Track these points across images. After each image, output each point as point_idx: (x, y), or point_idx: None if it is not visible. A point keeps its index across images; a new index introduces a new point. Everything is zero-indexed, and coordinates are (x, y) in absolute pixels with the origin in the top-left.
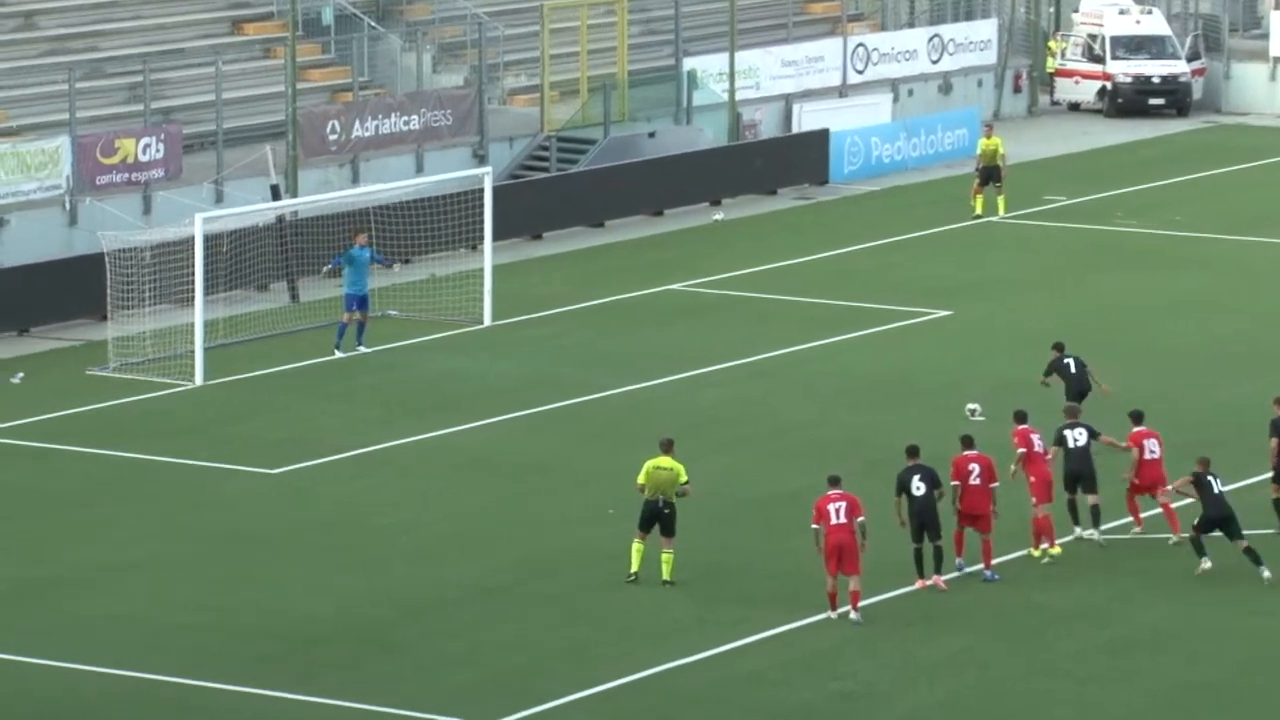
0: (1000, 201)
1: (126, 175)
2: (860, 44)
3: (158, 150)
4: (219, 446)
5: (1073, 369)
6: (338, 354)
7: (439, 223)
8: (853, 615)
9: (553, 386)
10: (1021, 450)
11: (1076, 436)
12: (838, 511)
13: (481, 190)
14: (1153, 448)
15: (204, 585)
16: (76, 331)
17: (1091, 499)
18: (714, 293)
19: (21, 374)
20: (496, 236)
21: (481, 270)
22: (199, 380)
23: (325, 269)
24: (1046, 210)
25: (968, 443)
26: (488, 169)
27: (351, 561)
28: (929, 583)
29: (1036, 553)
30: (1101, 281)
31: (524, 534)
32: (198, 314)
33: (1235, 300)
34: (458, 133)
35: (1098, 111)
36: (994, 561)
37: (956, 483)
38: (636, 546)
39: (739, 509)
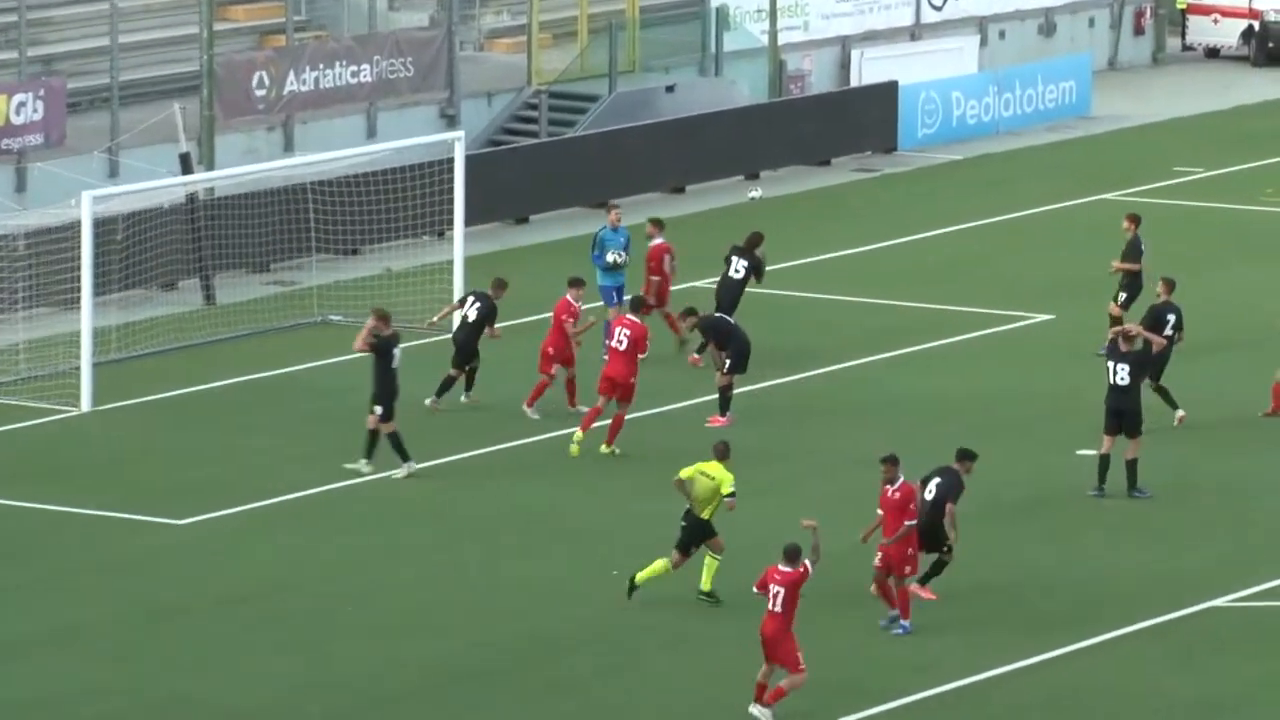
0: None
1: None
2: None
3: (35, 110)
4: (113, 490)
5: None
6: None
7: (396, 203)
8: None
9: (542, 416)
10: None
11: None
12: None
13: (451, 161)
14: None
15: (110, 667)
16: None
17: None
18: (748, 292)
19: None
20: (471, 220)
21: (450, 264)
22: (86, 405)
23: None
24: (1176, 185)
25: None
26: (460, 133)
27: (289, 638)
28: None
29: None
30: (1245, 277)
31: (509, 604)
32: (85, 321)
33: None
34: (421, 87)
35: (1242, 58)
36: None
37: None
38: (662, 563)
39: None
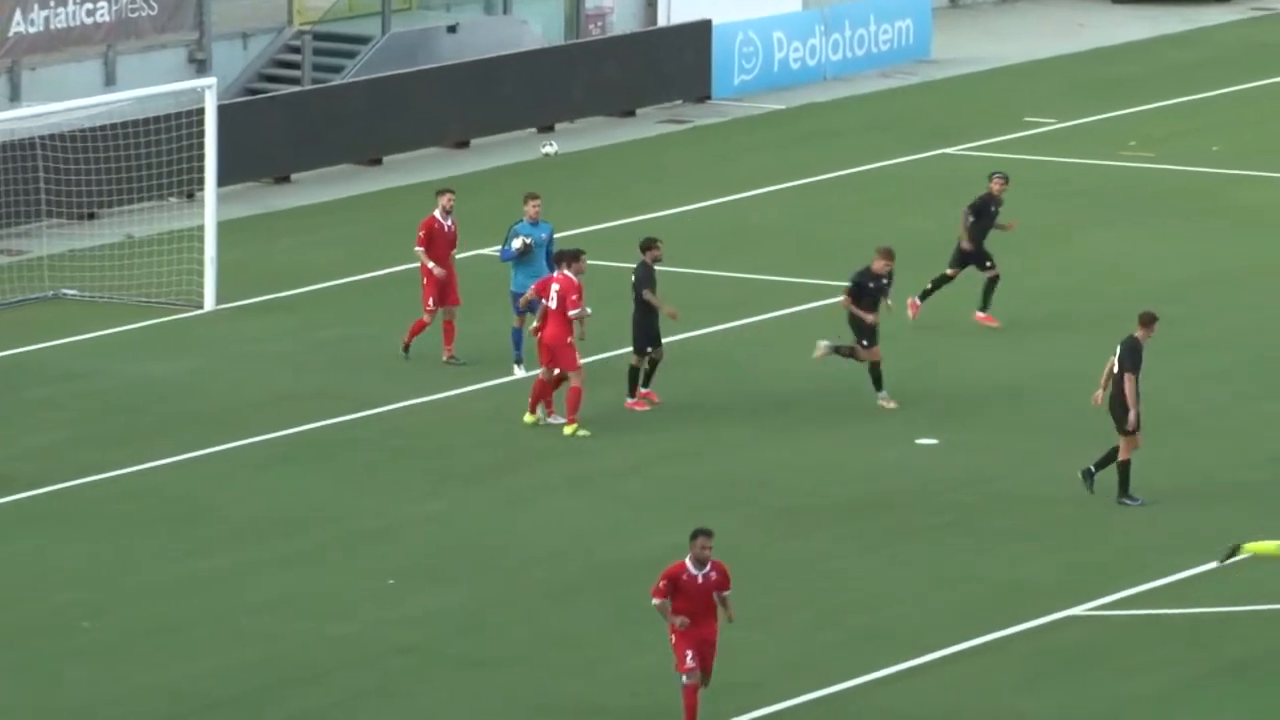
0: None
1: None
2: None
3: None
4: None
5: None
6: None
7: (139, 160)
8: None
9: (307, 401)
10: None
11: None
12: None
13: (201, 111)
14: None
15: None
16: None
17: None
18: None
19: None
20: (225, 179)
21: (201, 229)
22: None
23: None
24: (1027, 137)
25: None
26: (211, 80)
27: (13, 660)
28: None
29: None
30: (1104, 240)
31: (268, 620)
32: None
33: None
34: (166, 27)
35: None
36: None
37: (662, 599)
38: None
39: (586, 575)
